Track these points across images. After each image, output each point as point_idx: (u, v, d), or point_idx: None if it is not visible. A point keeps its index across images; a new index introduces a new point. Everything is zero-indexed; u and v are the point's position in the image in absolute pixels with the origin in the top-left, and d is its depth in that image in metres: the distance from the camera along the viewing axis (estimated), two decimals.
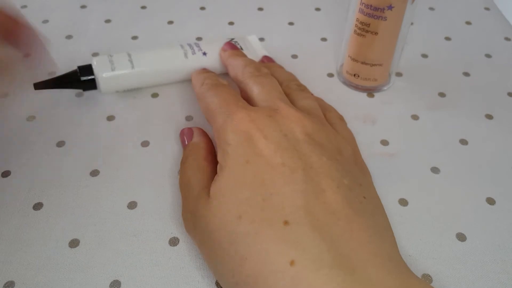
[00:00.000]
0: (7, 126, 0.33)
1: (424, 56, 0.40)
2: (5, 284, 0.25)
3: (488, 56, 0.40)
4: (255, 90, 0.29)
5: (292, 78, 0.33)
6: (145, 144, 0.32)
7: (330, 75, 0.38)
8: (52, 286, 0.25)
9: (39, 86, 0.32)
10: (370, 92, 0.36)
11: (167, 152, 0.31)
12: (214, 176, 0.26)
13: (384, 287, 0.20)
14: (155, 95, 0.35)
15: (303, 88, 0.32)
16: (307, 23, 0.42)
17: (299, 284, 0.20)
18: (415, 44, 0.40)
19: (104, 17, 0.42)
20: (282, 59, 0.38)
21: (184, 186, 0.27)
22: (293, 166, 0.23)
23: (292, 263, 0.20)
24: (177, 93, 0.35)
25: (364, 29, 0.33)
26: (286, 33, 0.41)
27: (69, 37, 0.40)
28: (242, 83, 0.30)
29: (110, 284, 0.25)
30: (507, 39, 0.42)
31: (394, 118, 0.34)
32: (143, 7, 0.43)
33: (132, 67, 0.33)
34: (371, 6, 0.31)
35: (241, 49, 0.36)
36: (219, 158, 0.26)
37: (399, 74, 0.38)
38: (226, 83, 0.31)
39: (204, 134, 0.30)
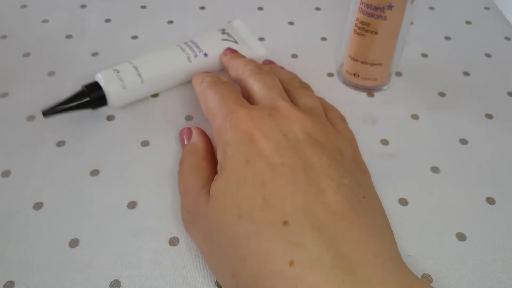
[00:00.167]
0: (7, 126, 0.33)
1: (424, 55, 0.40)
2: (5, 284, 0.25)
3: (488, 55, 0.40)
4: (256, 87, 0.29)
5: (294, 76, 0.33)
6: (145, 144, 0.32)
7: (330, 74, 0.38)
8: (51, 286, 0.25)
9: (48, 113, 0.31)
10: (370, 91, 0.36)
11: (167, 152, 0.31)
12: (213, 176, 0.26)
13: (384, 287, 0.20)
14: (155, 95, 0.35)
15: (305, 86, 0.31)
16: (307, 23, 0.42)
17: (299, 284, 0.20)
18: (415, 44, 0.40)
19: (104, 17, 0.42)
20: (282, 58, 0.38)
21: (183, 185, 0.27)
22: (293, 166, 0.23)
23: (291, 263, 0.20)
24: (177, 93, 0.35)
25: (364, 29, 0.33)
26: (286, 32, 0.41)
27: (69, 36, 0.40)
28: (243, 80, 0.30)
29: (110, 284, 0.25)
30: (507, 38, 0.42)
31: (394, 118, 0.34)
32: (143, 7, 0.43)
33: (142, 81, 0.33)
34: (371, 5, 0.31)
35: (235, 42, 0.36)
36: (218, 158, 0.26)
37: (399, 74, 0.38)
38: (226, 80, 0.30)
39: (203, 134, 0.30)
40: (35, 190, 0.29)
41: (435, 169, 0.31)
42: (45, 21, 0.42)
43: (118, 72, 0.33)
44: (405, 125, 0.34)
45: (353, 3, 0.33)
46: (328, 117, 0.30)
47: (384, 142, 0.33)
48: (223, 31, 0.37)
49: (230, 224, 0.23)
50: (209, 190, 0.25)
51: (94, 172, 0.30)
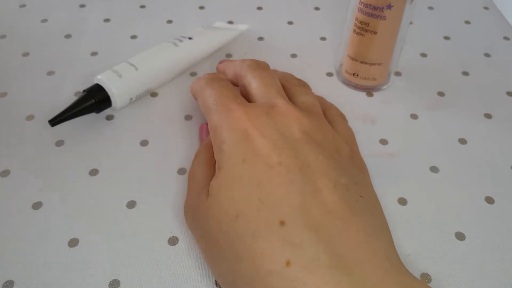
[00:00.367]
0: (6, 125, 0.33)
1: (423, 55, 0.40)
2: (4, 284, 0.25)
3: (487, 55, 0.40)
4: (254, 84, 0.28)
5: (291, 75, 0.33)
6: (144, 143, 0.32)
7: (329, 74, 0.38)
8: (51, 285, 0.25)
9: (55, 122, 0.31)
10: (370, 91, 0.36)
11: (166, 151, 0.31)
12: None
13: (381, 287, 0.20)
14: (154, 95, 0.35)
15: (303, 84, 0.31)
16: (307, 23, 0.42)
17: (295, 285, 0.20)
18: (414, 44, 0.40)
19: (103, 17, 0.42)
20: (281, 58, 0.38)
21: (191, 178, 0.27)
22: (290, 165, 0.23)
23: (288, 263, 0.20)
24: (176, 93, 0.35)
25: (363, 29, 0.33)
26: (285, 32, 0.41)
27: (68, 36, 0.40)
28: (241, 77, 0.30)
29: (109, 283, 0.25)
30: (506, 38, 0.42)
31: (393, 118, 0.34)
32: (142, 7, 0.43)
33: (136, 68, 0.33)
34: (370, 5, 0.31)
35: (217, 27, 0.39)
36: (216, 156, 0.25)
37: (398, 74, 0.38)
38: (225, 78, 0.30)
39: None
40: (34, 190, 0.29)
41: (434, 169, 0.31)
42: (44, 20, 0.42)
43: (113, 69, 0.33)
44: (404, 125, 0.34)
45: (353, 2, 0.33)
46: (327, 115, 0.30)
47: (384, 142, 0.33)
48: (205, 27, 0.39)
49: (227, 223, 0.23)
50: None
51: (93, 172, 0.30)
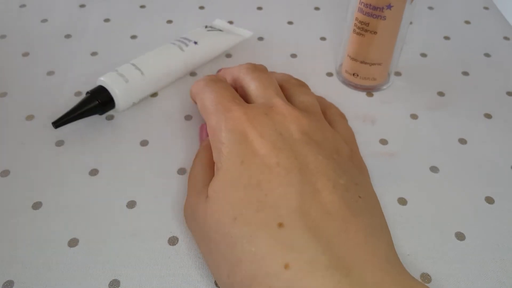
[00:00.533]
0: (6, 125, 0.33)
1: (423, 55, 0.40)
2: (4, 284, 0.25)
3: (487, 55, 0.40)
4: (252, 85, 0.28)
5: (290, 76, 0.33)
6: (144, 143, 0.32)
7: (329, 74, 0.38)
8: (51, 285, 0.25)
9: (58, 123, 0.31)
10: (369, 91, 0.36)
11: (166, 151, 0.31)
12: None
13: None
14: (154, 95, 0.35)
15: (302, 84, 0.31)
16: (306, 22, 0.42)
17: (294, 287, 0.20)
18: (414, 44, 0.40)
19: (103, 17, 0.42)
20: (281, 58, 0.38)
21: (191, 179, 0.27)
22: (288, 166, 0.23)
23: (286, 266, 0.20)
24: (176, 93, 0.35)
25: (363, 29, 0.33)
26: (285, 32, 0.41)
27: (68, 36, 0.40)
28: (239, 79, 0.30)
29: (109, 283, 0.25)
30: (506, 38, 0.42)
31: (393, 118, 0.34)
32: (142, 7, 0.43)
33: (142, 73, 0.33)
34: (370, 5, 0.31)
35: (220, 30, 0.39)
36: (214, 158, 0.25)
37: (398, 74, 0.38)
38: (224, 79, 0.30)
39: None
40: (34, 190, 0.29)
41: (434, 169, 0.31)
42: (44, 20, 0.42)
43: (118, 71, 0.33)
44: (404, 125, 0.34)
45: (353, 3, 0.33)
46: (327, 115, 0.30)
47: (383, 142, 0.33)
48: (206, 26, 0.38)
49: (226, 225, 0.23)
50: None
51: (93, 172, 0.30)
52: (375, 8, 0.31)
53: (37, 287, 0.25)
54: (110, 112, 0.34)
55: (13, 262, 0.26)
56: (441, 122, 0.34)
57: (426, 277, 0.26)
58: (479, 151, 0.32)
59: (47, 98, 0.35)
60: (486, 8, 0.45)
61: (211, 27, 0.38)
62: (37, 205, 0.28)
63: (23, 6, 0.43)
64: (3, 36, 0.40)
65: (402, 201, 0.29)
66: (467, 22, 0.43)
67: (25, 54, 0.38)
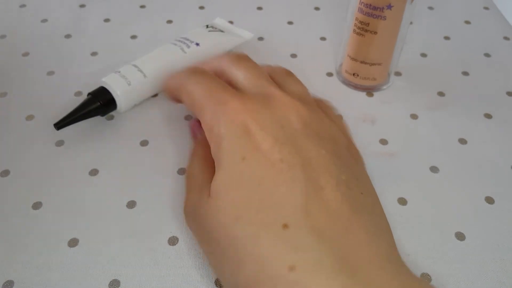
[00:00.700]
0: (6, 125, 0.33)
1: (423, 55, 0.40)
2: (4, 284, 0.25)
3: (487, 55, 0.40)
4: (241, 76, 0.26)
5: (276, 65, 0.31)
6: (144, 143, 0.32)
7: (329, 74, 0.38)
8: (51, 285, 0.25)
9: (60, 125, 0.30)
10: (370, 91, 0.36)
11: (166, 151, 0.31)
12: None
13: None
14: (154, 95, 0.35)
15: (289, 73, 0.29)
16: (306, 22, 0.42)
17: None
18: (414, 44, 0.40)
19: (103, 16, 0.42)
20: (281, 58, 0.38)
21: (189, 178, 0.27)
22: (291, 162, 0.22)
23: (291, 268, 0.20)
24: None
25: (363, 29, 0.33)
26: (285, 32, 0.41)
27: (68, 36, 0.40)
28: (223, 71, 0.27)
29: (109, 283, 0.25)
30: (506, 38, 0.42)
31: (393, 118, 0.34)
32: (142, 6, 0.43)
33: (144, 75, 0.33)
34: (370, 5, 0.31)
35: (221, 31, 0.38)
36: (213, 154, 0.24)
37: (398, 74, 0.38)
38: (205, 69, 0.28)
39: None
40: (34, 190, 0.29)
41: (434, 169, 0.31)
42: (44, 20, 0.42)
43: (120, 72, 0.33)
44: (404, 125, 0.34)
45: (353, 3, 0.33)
46: (318, 105, 0.29)
47: (383, 142, 0.33)
48: (207, 26, 0.38)
49: (228, 225, 0.22)
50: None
51: (93, 172, 0.30)
52: (375, 8, 0.31)
53: (37, 287, 0.25)
54: (111, 113, 0.34)
55: (13, 262, 0.26)
56: (441, 122, 0.34)
57: (426, 277, 0.26)
58: (479, 151, 0.32)
59: (47, 98, 0.35)
60: (486, 8, 0.45)
61: (212, 26, 0.38)
62: (37, 205, 0.28)
63: (23, 6, 0.43)
64: (3, 36, 0.40)
65: (402, 201, 0.29)
66: (467, 22, 0.43)
67: (25, 54, 0.38)
